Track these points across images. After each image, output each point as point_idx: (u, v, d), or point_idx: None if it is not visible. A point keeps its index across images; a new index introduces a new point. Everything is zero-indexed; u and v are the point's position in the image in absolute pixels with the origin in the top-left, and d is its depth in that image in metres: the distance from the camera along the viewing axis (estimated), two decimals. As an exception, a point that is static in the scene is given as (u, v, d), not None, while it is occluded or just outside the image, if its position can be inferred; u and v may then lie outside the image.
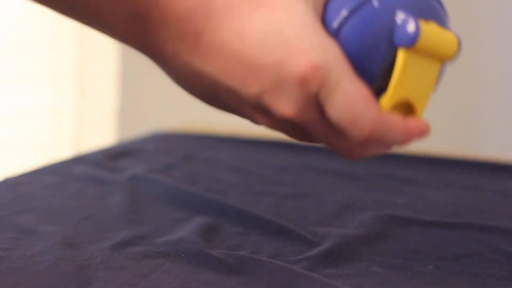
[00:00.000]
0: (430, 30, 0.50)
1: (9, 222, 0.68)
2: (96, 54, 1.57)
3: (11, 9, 1.44)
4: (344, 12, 0.51)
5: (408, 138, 0.52)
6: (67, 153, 1.26)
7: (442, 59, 0.52)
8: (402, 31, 0.50)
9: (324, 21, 0.52)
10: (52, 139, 1.49)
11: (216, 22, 0.50)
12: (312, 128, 0.52)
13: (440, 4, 0.54)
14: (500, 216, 0.78)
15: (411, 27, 0.50)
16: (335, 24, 0.51)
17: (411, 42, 0.50)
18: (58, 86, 1.51)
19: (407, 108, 0.53)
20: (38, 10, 1.46)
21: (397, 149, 0.98)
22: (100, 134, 1.57)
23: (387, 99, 0.51)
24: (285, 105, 0.50)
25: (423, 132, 0.52)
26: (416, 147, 1.13)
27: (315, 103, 0.50)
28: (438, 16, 0.53)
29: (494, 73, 1.72)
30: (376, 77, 0.52)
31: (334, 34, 0.51)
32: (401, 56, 0.50)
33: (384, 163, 1.01)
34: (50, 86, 1.50)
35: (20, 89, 1.46)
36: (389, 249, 0.66)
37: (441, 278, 0.59)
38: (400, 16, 0.51)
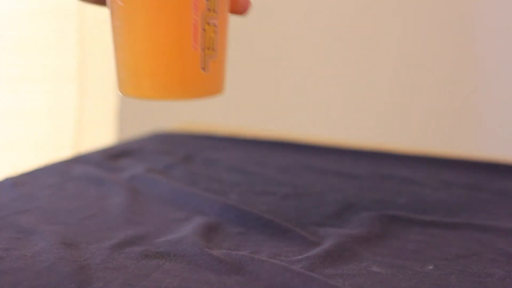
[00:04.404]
0: None
1: (9, 222, 0.68)
2: (96, 54, 1.57)
3: (11, 9, 1.44)
4: None
5: None
6: (67, 153, 1.26)
7: None
8: None
9: None
10: (52, 139, 1.49)
11: None
12: None
13: None
14: (500, 216, 0.78)
15: None
16: None
17: None
18: (58, 86, 1.51)
19: None
20: (38, 10, 1.46)
21: (397, 149, 0.98)
22: (100, 134, 1.57)
23: None
24: None
25: None
26: (416, 147, 1.13)
27: None
28: None
29: (494, 73, 1.72)
30: None
31: None
32: None
33: (384, 163, 1.01)
34: (50, 86, 1.50)
35: (20, 89, 1.46)
36: (389, 249, 0.66)
37: (441, 278, 0.59)
38: None
